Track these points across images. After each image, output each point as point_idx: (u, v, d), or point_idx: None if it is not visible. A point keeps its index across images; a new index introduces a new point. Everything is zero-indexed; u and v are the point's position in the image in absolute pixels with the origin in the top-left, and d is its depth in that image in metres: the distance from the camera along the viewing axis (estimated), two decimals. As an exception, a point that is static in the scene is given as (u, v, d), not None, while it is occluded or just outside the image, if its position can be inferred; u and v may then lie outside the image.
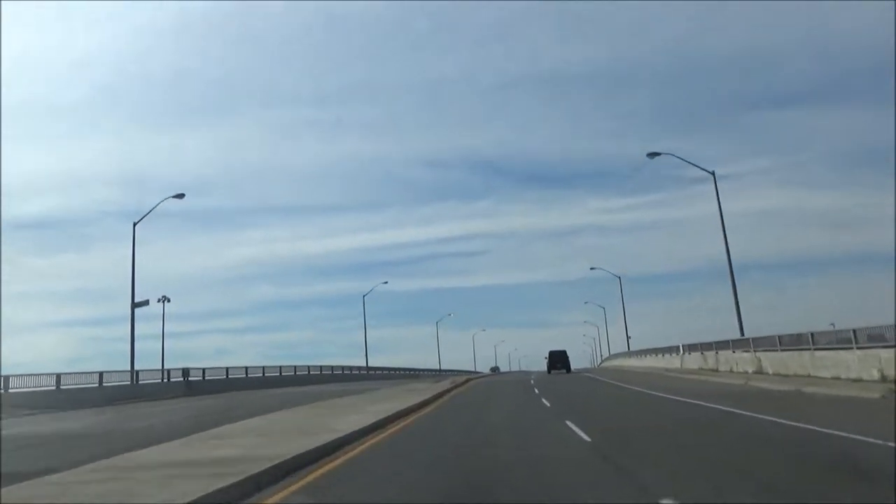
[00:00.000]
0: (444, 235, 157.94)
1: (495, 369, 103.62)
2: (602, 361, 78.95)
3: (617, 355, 68.98)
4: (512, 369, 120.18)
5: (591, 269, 68.30)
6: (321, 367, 55.80)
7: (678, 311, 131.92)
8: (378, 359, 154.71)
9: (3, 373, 28.17)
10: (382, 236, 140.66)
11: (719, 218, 31.46)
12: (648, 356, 47.96)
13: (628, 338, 61.18)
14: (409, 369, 76.09)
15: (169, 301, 52.50)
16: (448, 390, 27.65)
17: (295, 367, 51.33)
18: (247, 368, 45.55)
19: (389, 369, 71.60)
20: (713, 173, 32.70)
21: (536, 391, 25.23)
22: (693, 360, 34.72)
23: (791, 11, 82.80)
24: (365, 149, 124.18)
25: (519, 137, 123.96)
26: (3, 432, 16.26)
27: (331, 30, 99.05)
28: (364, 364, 64.67)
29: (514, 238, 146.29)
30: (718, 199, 32.06)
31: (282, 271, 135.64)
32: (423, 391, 25.73)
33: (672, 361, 39.47)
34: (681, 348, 37.92)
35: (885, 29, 73.17)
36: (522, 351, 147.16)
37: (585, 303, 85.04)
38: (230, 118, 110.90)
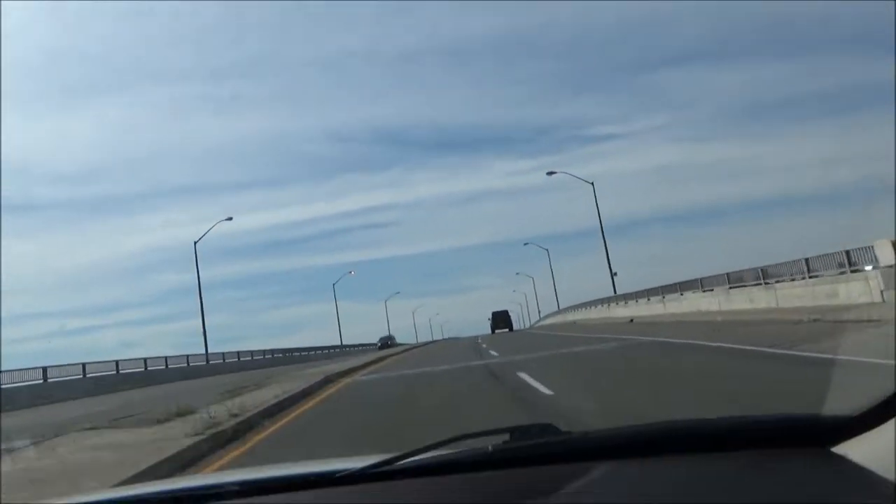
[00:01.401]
0: (353, 208, 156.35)
1: (387, 340, 66.46)
2: (538, 321, 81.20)
3: (549, 315, 69.96)
4: (435, 337, 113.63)
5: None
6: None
7: (583, 268, 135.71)
8: (298, 337, 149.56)
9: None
10: (289, 213, 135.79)
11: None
12: (578, 310, 49.88)
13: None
14: (322, 347, 66.46)
15: None
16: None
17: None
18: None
19: (294, 350, 60.43)
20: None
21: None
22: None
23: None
24: (265, 125, 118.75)
25: (423, 107, 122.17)
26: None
27: (223, 3, 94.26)
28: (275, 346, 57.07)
29: (423, 207, 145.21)
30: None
31: (186, 256, 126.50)
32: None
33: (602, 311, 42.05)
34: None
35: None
36: (444, 317, 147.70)
37: (517, 273, 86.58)
38: (116, 98, 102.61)
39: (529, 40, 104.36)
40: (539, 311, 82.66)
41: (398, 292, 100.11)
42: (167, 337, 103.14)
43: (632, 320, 30.01)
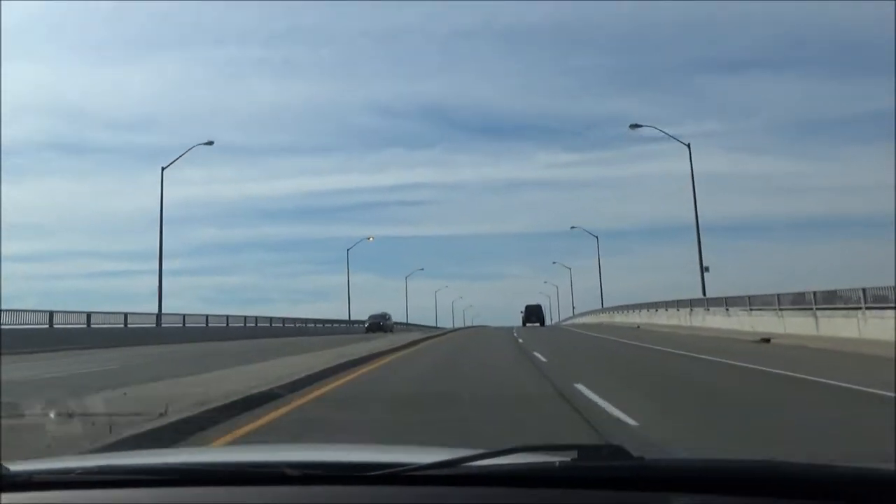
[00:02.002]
0: (392, 183, 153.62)
1: (379, 320, 50.24)
2: (569, 318, 75.57)
3: (585, 313, 65.21)
4: (457, 324, 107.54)
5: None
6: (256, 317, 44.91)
7: (622, 268, 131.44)
8: (324, 306, 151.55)
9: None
10: (330, 181, 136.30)
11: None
12: (623, 313, 45.49)
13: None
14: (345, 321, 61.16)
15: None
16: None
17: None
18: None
19: (322, 321, 57.02)
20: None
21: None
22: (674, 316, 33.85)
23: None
24: (314, 93, 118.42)
25: (474, 89, 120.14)
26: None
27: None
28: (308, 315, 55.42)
29: (462, 189, 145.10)
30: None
31: (225, 213, 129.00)
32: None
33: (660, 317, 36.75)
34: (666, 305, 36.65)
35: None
36: (468, 301, 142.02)
37: (553, 263, 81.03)
38: (176, 54, 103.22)
39: (587, 31, 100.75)
40: (573, 307, 77.07)
41: (422, 269, 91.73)
42: (196, 290, 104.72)
43: (768, 340, 20.08)
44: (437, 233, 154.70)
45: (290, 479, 1.36)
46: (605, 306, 54.93)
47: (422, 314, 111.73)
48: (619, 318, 45.52)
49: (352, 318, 61.22)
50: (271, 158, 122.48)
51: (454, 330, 52.71)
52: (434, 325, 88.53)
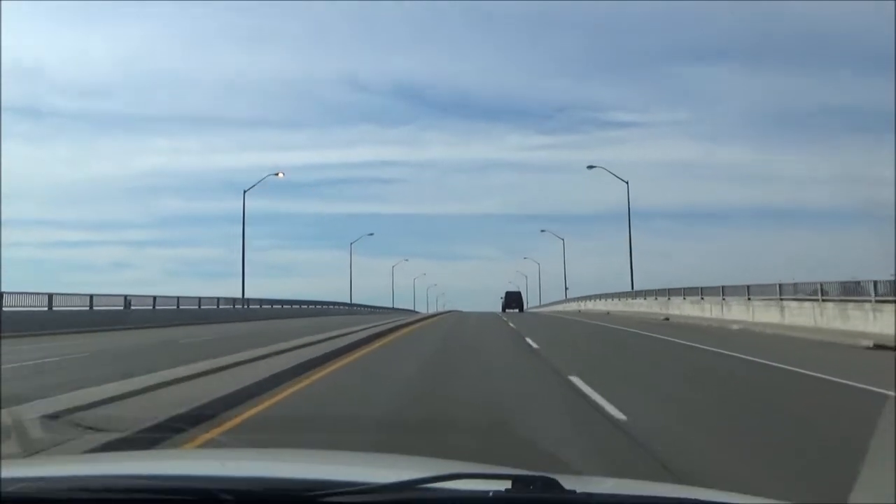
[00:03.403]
0: (362, 160, 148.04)
1: None
2: (538, 305, 76.53)
3: (557, 301, 66.41)
4: (418, 307, 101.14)
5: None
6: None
7: (591, 252, 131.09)
8: (287, 282, 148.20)
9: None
10: (299, 156, 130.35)
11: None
12: (592, 301, 48.20)
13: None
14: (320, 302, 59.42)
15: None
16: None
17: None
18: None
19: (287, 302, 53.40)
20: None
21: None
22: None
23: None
24: (285, 64, 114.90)
25: (446, 66, 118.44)
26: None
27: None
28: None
29: (432, 168, 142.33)
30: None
31: (190, 184, 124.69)
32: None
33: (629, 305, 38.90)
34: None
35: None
36: (434, 281, 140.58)
37: (524, 258, 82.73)
38: (140, 16, 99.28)
39: (561, 14, 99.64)
40: (540, 297, 78.37)
41: (406, 259, 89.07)
42: (160, 262, 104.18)
43: (667, 319, 28.64)
44: (405, 211, 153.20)
45: (222, 503, 1.35)
46: (570, 296, 58.33)
47: (384, 294, 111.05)
48: (590, 306, 47.49)
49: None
50: (239, 130, 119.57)
51: (423, 318, 37.87)
52: (390, 306, 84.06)
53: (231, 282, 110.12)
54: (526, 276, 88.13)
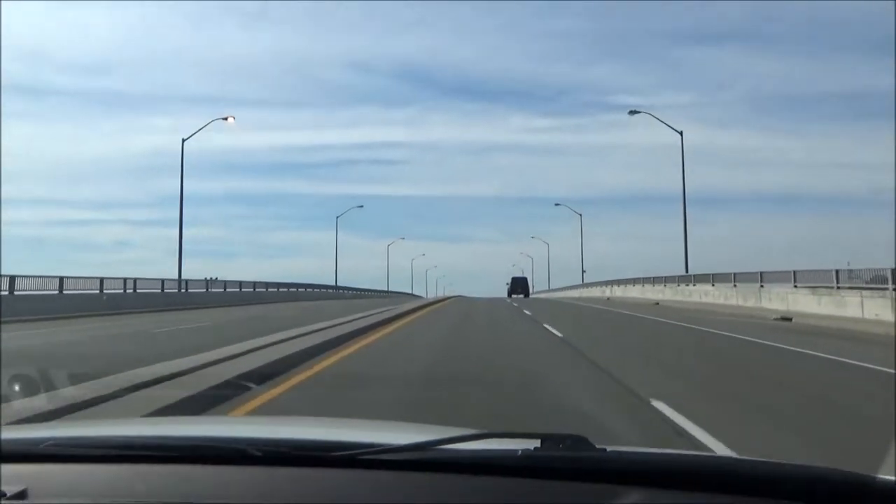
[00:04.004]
0: (364, 141, 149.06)
1: None
2: (545, 290, 73.56)
3: (565, 287, 63.46)
4: (417, 291, 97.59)
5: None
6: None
7: (592, 237, 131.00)
8: (288, 263, 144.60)
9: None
10: (301, 136, 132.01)
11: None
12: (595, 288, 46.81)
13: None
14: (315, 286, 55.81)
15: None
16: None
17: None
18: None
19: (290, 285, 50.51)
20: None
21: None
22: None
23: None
24: (287, 45, 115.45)
25: (449, 47, 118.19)
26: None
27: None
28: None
29: (435, 150, 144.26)
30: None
31: (192, 164, 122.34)
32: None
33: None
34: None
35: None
36: (436, 263, 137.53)
37: (532, 237, 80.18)
38: None
39: None
40: (549, 281, 75.20)
41: (403, 238, 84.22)
42: (161, 242, 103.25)
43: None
44: (407, 193, 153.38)
45: (251, 459, 1.36)
46: (585, 281, 55.76)
47: (396, 281, 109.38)
48: (618, 292, 43.22)
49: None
50: (240, 111, 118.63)
51: (424, 306, 30.66)
52: (385, 289, 78.32)
53: (234, 262, 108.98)
54: (532, 258, 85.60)
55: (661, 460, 1.43)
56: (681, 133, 34.14)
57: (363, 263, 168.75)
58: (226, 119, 36.66)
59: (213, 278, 39.14)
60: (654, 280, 35.68)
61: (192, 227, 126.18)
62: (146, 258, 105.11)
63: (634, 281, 39.40)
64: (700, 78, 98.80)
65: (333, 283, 59.33)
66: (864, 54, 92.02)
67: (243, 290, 40.43)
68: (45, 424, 3.08)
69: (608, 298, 40.61)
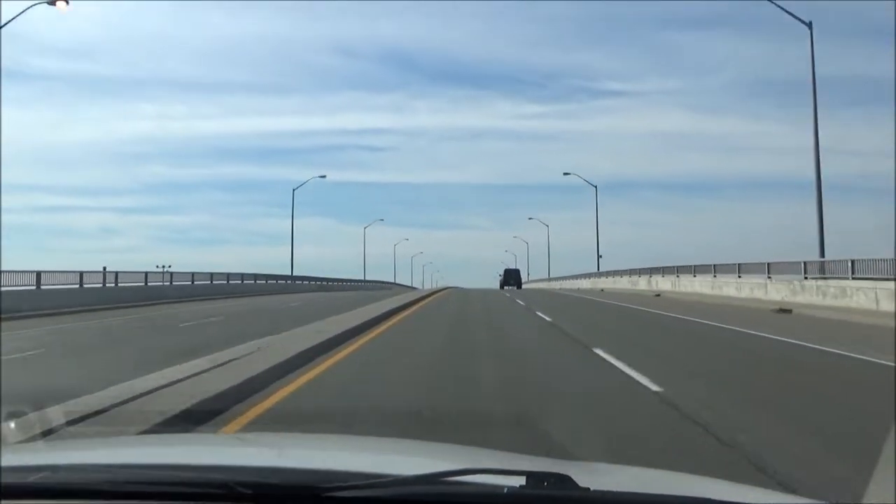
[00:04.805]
0: (351, 127, 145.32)
1: None
2: (543, 279, 72.27)
3: (566, 277, 62.21)
4: (408, 281, 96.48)
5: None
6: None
7: (578, 223, 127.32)
8: (271, 251, 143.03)
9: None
10: (287, 122, 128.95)
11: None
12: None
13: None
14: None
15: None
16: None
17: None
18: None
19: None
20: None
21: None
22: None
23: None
24: (272, 28, 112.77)
25: (436, 31, 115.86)
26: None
27: None
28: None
29: (422, 136, 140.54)
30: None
31: (177, 150, 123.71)
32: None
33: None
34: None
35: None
36: (421, 248, 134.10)
37: (530, 218, 77.00)
38: None
39: None
40: (549, 269, 73.74)
41: (382, 219, 78.33)
42: (146, 229, 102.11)
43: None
44: (395, 179, 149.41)
45: (240, 496, 1.39)
46: (550, 275, 58.11)
47: (379, 269, 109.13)
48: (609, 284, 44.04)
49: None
50: (225, 96, 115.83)
51: (417, 300, 26.40)
52: (370, 279, 74.28)
53: (218, 249, 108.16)
54: (527, 242, 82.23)
55: (645, 500, 1.48)
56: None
57: (349, 251, 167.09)
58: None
59: (166, 267, 35.65)
60: (665, 270, 34.73)
61: (178, 214, 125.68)
62: (131, 245, 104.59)
63: (641, 272, 38.95)
64: (686, 63, 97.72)
65: (310, 274, 56.50)
66: (852, 38, 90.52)
67: (196, 282, 35.55)
68: (35, 447, 2.95)
69: (601, 290, 41.61)
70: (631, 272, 40.74)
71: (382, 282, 76.48)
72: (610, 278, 44.58)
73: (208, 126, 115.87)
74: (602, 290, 41.42)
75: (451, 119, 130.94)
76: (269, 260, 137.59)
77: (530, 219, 74.40)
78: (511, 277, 59.74)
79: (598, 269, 48.89)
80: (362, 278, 70.63)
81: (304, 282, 53.30)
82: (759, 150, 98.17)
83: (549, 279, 69.17)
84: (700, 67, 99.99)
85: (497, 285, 60.00)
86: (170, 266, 36.23)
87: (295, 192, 52.35)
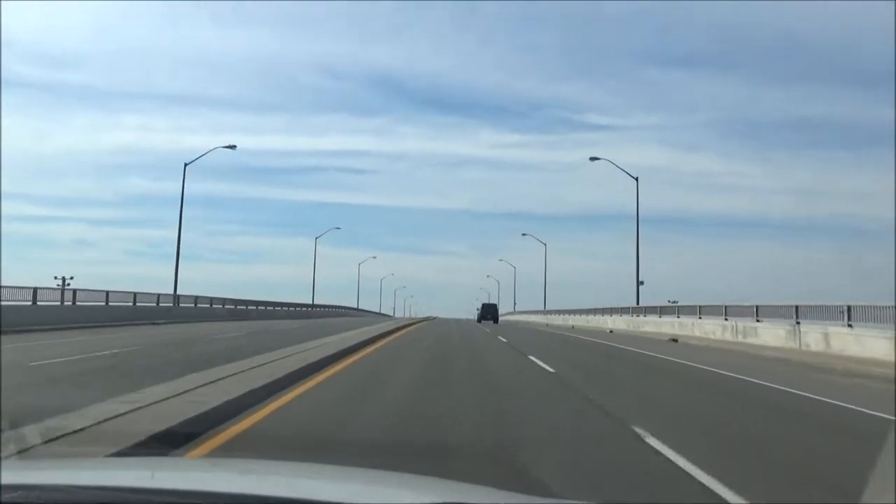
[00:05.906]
0: (334, 148, 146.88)
1: None
2: (509, 312, 74.00)
3: (528, 311, 67.79)
4: (379, 308, 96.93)
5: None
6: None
7: (556, 252, 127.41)
8: (250, 270, 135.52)
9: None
10: (270, 140, 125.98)
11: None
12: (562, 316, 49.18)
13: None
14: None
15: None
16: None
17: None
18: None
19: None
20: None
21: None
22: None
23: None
24: (260, 46, 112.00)
25: (423, 57, 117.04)
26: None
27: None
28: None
29: (405, 161, 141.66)
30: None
31: (157, 164, 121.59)
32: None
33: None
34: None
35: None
36: (392, 270, 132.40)
37: (500, 260, 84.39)
38: None
39: (541, 9, 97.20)
40: (514, 304, 76.59)
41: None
42: (121, 242, 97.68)
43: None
44: (375, 202, 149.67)
45: None
46: (547, 307, 60.25)
47: (346, 293, 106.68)
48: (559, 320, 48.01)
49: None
50: (210, 111, 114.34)
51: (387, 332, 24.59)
52: (340, 305, 73.22)
53: (193, 266, 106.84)
54: (498, 282, 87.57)
55: None
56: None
57: (327, 272, 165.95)
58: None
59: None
60: (616, 310, 38.69)
61: (156, 228, 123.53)
62: (104, 258, 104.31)
63: (604, 311, 41.50)
64: (668, 100, 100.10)
65: (297, 300, 58.19)
66: (831, 82, 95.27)
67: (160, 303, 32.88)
68: (9, 465, 2.88)
69: (572, 326, 42.89)
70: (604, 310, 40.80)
71: (339, 307, 71.65)
72: (582, 316, 44.72)
73: (191, 140, 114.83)
74: (572, 326, 41.65)
75: (435, 145, 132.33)
76: (244, 279, 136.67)
77: (500, 260, 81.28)
78: (488, 312, 61.90)
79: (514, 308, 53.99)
80: (311, 302, 63.18)
81: (216, 305, 41.04)
82: (733, 190, 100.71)
83: (517, 312, 71.77)
84: (681, 105, 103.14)
85: (474, 316, 63.83)
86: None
87: (187, 166, 37.59)
